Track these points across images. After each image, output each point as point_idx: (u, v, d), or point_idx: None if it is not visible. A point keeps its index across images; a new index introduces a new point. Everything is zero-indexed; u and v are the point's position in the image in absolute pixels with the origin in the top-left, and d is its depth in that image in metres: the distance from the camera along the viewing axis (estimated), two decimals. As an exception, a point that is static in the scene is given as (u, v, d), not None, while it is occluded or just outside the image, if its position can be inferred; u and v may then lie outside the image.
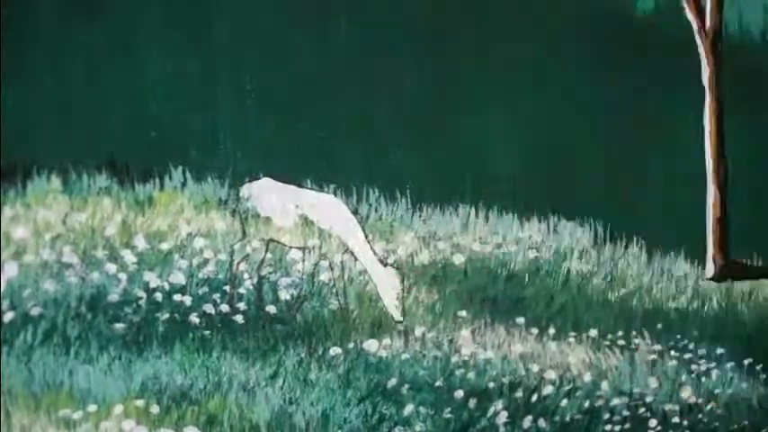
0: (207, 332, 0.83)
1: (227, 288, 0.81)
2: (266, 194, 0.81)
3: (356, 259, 0.76)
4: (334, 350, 0.80)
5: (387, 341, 0.78)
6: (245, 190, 0.79)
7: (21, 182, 0.83)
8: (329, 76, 0.77)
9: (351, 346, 0.80)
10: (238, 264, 0.79)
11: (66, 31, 0.82)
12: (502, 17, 0.74)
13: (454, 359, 0.78)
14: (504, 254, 0.76)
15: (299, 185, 0.78)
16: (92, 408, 0.84)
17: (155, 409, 0.84)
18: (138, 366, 0.84)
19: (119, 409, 0.84)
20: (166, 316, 0.84)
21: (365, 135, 0.75)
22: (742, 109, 0.79)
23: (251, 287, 0.81)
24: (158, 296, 0.84)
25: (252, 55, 0.79)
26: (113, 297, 0.83)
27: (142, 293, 0.83)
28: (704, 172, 0.76)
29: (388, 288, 0.76)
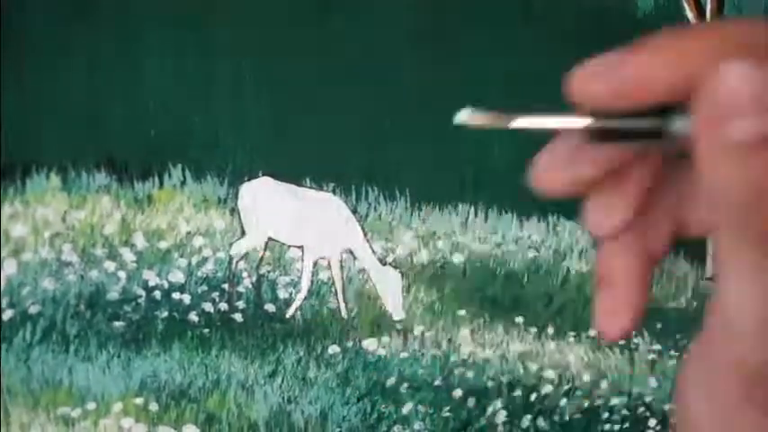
0: (206, 330, 0.83)
1: (226, 286, 0.81)
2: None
3: (355, 258, 0.76)
4: (333, 349, 0.80)
5: (386, 340, 0.78)
6: (245, 189, 0.79)
7: (20, 180, 0.83)
8: (329, 75, 0.77)
9: (350, 344, 0.80)
10: (237, 262, 0.78)
11: (66, 30, 0.82)
12: (501, 15, 0.74)
13: (453, 358, 0.77)
14: (504, 253, 0.76)
15: (299, 184, 0.78)
16: (91, 405, 0.84)
17: (153, 406, 0.84)
18: (137, 364, 0.84)
19: (118, 406, 0.84)
20: (165, 314, 0.83)
21: (364, 134, 0.75)
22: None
23: (250, 285, 0.80)
24: (157, 294, 0.84)
25: (252, 54, 0.79)
26: (112, 295, 0.83)
27: (141, 292, 0.83)
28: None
29: (386, 287, 0.76)
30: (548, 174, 0.53)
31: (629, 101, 0.49)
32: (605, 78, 0.49)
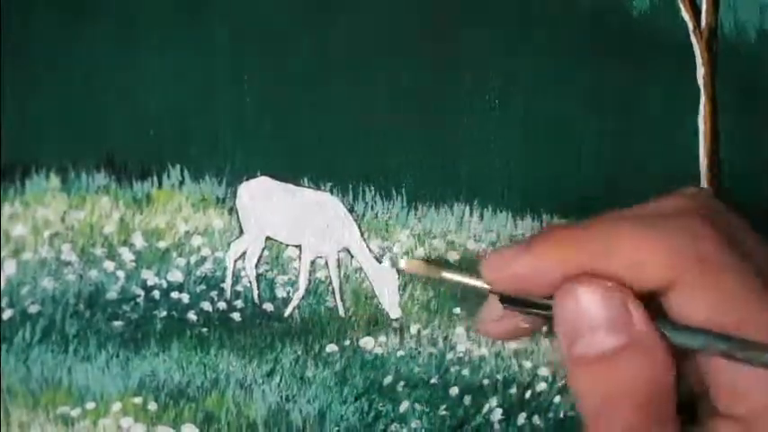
0: (204, 330, 0.83)
1: (224, 286, 0.81)
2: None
3: (352, 257, 0.76)
4: (331, 347, 0.80)
5: (382, 338, 0.78)
6: (243, 189, 0.79)
7: (20, 180, 0.83)
8: (327, 75, 0.77)
9: (347, 343, 0.79)
10: (235, 261, 0.79)
11: (66, 30, 0.82)
12: (498, 15, 0.74)
13: (449, 356, 0.77)
14: (499, 252, 0.76)
15: (297, 184, 0.78)
16: (90, 405, 0.84)
17: (152, 406, 0.84)
18: (135, 364, 0.84)
19: (117, 406, 0.84)
20: (164, 314, 0.83)
21: (362, 134, 0.75)
22: (737, 108, 0.80)
23: (248, 285, 0.80)
24: (156, 294, 0.84)
25: (251, 54, 0.80)
26: (112, 295, 0.83)
27: (140, 291, 0.83)
28: (698, 171, 0.76)
29: (383, 285, 0.76)
30: (487, 324, 0.57)
31: (520, 291, 0.53)
32: (500, 272, 0.53)
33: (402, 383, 0.78)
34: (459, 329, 0.79)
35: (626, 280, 0.48)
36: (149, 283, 0.84)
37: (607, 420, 0.46)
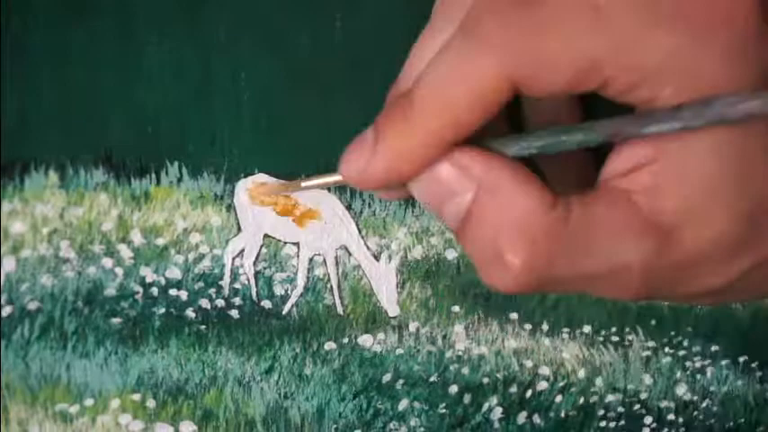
0: (203, 327, 0.82)
1: (223, 283, 0.80)
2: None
3: (350, 254, 0.75)
4: (329, 345, 0.79)
5: (381, 336, 0.77)
6: (241, 186, 0.79)
7: (19, 177, 0.83)
8: (325, 72, 0.77)
9: (345, 341, 0.79)
10: (234, 259, 0.78)
11: (65, 28, 0.82)
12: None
13: (448, 354, 0.76)
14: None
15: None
16: (88, 402, 0.84)
17: (151, 403, 0.84)
18: (134, 361, 0.84)
19: (115, 403, 0.84)
20: (162, 311, 0.83)
21: (359, 131, 0.75)
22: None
23: (246, 282, 0.80)
24: (154, 291, 0.83)
25: (249, 51, 0.79)
26: (110, 291, 0.82)
27: (138, 288, 0.82)
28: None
29: (381, 283, 0.75)
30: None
31: (389, 184, 0.52)
32: (359, 174, 0.53)
33: (401, 381, 0.78)
34: (458, 327, 0.79)
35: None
36: (148, 280, 0.83)
37: (497, 261, 0.44)
